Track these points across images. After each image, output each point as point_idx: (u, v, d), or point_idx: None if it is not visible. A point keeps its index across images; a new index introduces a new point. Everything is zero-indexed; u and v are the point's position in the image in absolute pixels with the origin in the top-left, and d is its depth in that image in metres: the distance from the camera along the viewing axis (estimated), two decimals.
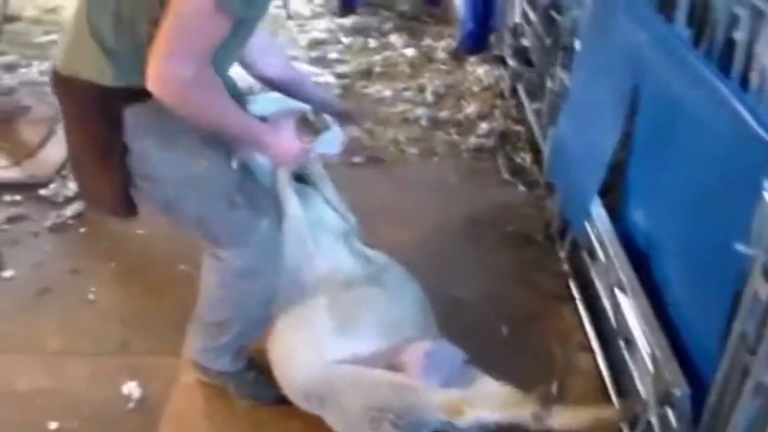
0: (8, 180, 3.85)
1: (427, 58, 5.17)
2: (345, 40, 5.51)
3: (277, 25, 5.85)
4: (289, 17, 6.00)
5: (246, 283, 2.32)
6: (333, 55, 5.25)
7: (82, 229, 3.48)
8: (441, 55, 5.18)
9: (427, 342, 2.27)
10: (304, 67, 4.89)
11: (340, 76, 4.91)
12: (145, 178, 2.06)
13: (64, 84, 2.04)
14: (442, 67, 5.03)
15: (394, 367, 2.25)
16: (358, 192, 3.63)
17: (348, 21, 5.81)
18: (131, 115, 1.96)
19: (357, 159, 3.95)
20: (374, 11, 6.02)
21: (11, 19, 6.04)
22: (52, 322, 2.91)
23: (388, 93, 4.65)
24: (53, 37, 5.56)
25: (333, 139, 2.38)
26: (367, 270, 2.53)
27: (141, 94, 1.86)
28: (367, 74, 4.95)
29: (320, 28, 5.74)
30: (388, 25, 5.72)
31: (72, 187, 3.68)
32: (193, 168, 2.08)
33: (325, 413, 2.34)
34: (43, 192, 3.71)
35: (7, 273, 3.20)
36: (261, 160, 2.31)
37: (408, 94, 4.63)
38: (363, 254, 2.59)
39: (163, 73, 1.79)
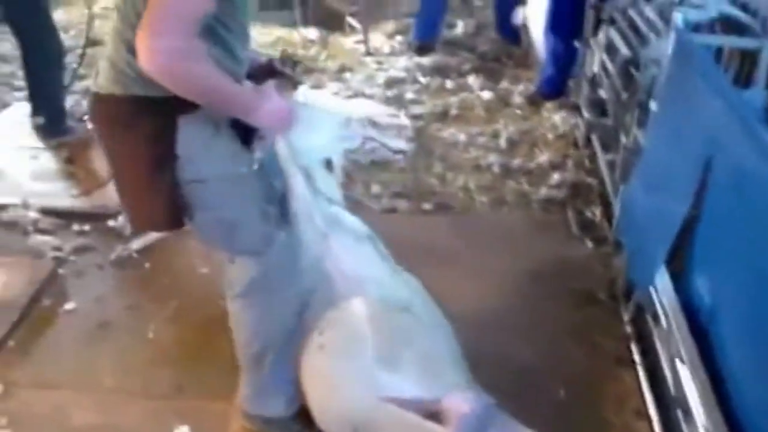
0: (78, 209, 3.96)
1: (503, 101, 5.16)
2: (422, 79, 5.54)
3: (354, 61, 5.91)
4: (368, 53, 6.06)
5: (264, 296, 2.40)
6: (409, 95, 5.27)
7: (146, 264, 3.55)
8: (517, 99, 5.16)
9: (468, 394, 2.27)
10: (379, 106, 4.93)
11: (415, 117, 4.93)
12: (191, 182, 2.17)
13: (102, 102, 2.16)
14: (518, 112, 5.01)
15: (433, 414, 2.25)
16: (425, 239, 3.69)
17: (427, 60, 5.83)
18: (182, 123, 2.09)
19: (426, 206, 3.97)
20: (453, 51, 6.03)
21: (94, 42, 6.22)
22: (109, 359, 2.98)
23: (462, 137, 4.65)
24: None
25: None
26: (401, 290, 2.63)
27: (178, 103, 2.02)
28: (442, 116, 4.97)
29: (398, 66, 5.76)
30: (466, 66, 5.72)
31: None
32: (236, 170, 2.21)
33: None
34: (111, 223, 3.81)
35: (70, 305, 3.29)
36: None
37: (482, 139, 4.63)
38: (392, 266, 2.70)
39: (150, 48, 1.90)
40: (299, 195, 2.58)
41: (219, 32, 2.06)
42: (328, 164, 2.80)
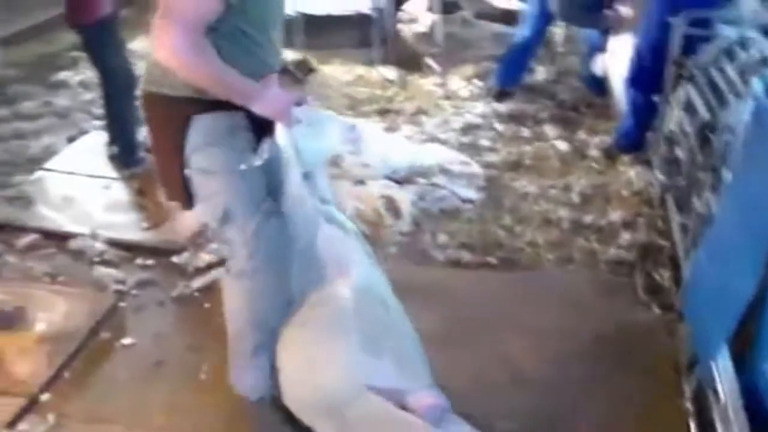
0: (144, 243, 4.04)
1: (579, 153, 5.09)
2: (498, 126, 5.51)
3: (431, 104, 5.91)
4: (447, 97, 6.05)
5: (253, 279, 2.69)
6: (484, 142, 5.25)
7: (206, 305, 3.59)
8: (594, 151, 5.07)
9: (433, 391, 2.54)
10: (451, 153, 4.90)
11: (488, 165, 4.89)
12: (195, 171, 2.54)
13: (144, 98, 2.60)
14: (593, 165, 4.93)
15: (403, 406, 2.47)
16: (487, 294, 3.65)
17: (504, 106, 5.79)
18: (194, 120, 2.48)
19: (491, 260, 3.92)
20: (532, 98, 5.98)
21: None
22: (161, 397, 3.04)
23: (533, 189, 4.59)
24: None
25: None
26: (381, 286, 2.85)
27: (195, 104, 2.44)
28: (515, 166, 4.92)
29: (475, 111, 5.74)
30: (543, 114, 5.67)
31: (204, 258, 3.81)
32: (237, 167, 2.54)
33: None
34: (174, 259, 3.88)
35: (127, 340, 3.36)
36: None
37: (554, 192, 4.56)
38: (373, 263, 2.93)
39: (161, 42, 2.32)
40: (295, 189, 2.82)
41: (238, 37, 2.43)
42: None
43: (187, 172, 2.55)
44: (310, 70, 2.37)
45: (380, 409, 2.44)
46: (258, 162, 2.58)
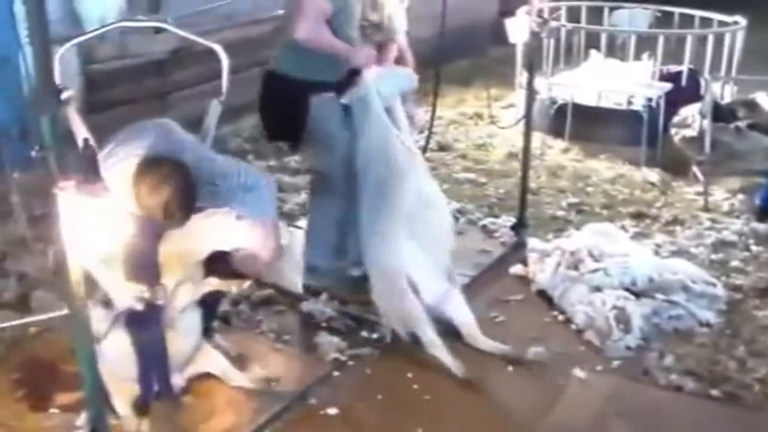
0: (370, 317, 4.20)
1: None
2: (754, 247, 5.31)
3: (688, 214, 5.80)
4: (706, 209, 5.92)
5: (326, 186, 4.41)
6: (735, 263, 5.09)
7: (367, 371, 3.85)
8: None
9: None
10: (697, 271, 4.78)
11: (734, 288, 4.74)
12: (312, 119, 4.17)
13: (268, 76, 4.32)
14: None
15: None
16: (703, 429, 3.55)
17: (765, 227, 5.58)
18: (314, 99, 4.12)
19: (715, 392, 3.79)
20: None
21: (441, 147, 6.72)
22: None
23: None
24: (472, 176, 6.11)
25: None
26: (434, 194, 4.34)
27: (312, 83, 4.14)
28: (763, 293, 4.72)
29: (733, 228, 5.57)
30: None
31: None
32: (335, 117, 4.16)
33: None
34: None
35: (333, 410, 3.57)
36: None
37: None
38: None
39: (299, 27, 3.97)
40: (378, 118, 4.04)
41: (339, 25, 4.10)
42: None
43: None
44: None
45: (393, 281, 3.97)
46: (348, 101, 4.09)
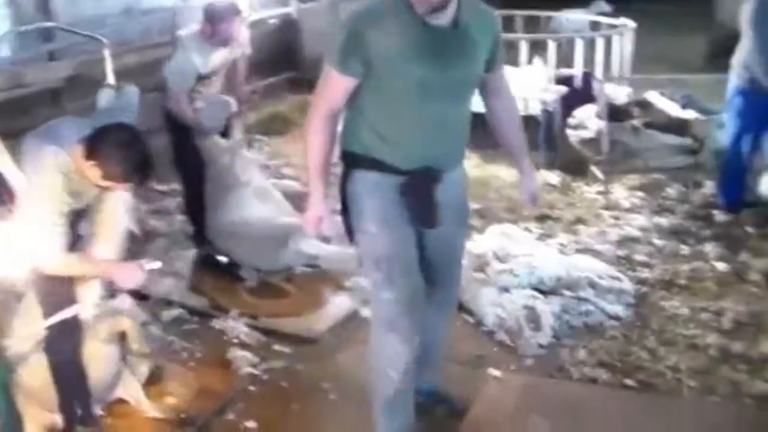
0: (282, 330, 4.23)
1: (738, 276, 4.86)
2: (657, 241, 5.36)
3: (591, 213, 5.85)
4: (608, 207, 5.97)
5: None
6: (639, 257, 5.13)
7: (331, 396, 3.73)
8: (755, 275, 4.83)
9: None
10: (602, 266, 4.80)
11: (640, 281, 4.78)
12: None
13: None
14: (753, 289, 4.69)
15: None
16: (620, 418, 3.54)
17: (666, 221, 5.66)
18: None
19: (629, 381, 3.80)
20: (696, 213, 5.80)
21: None
22: None
23: (684, 311, 4.44)
24: None
25: None
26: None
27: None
28: (668, 285, 4.76)
29: (635, 224, 5.63)
30: (706, 232, 5.48)
31: None
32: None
33: None
34: (311, 347, 4.08)
35: (251, 423, 3.52)
36: None
37: (705, 315, 4.38)
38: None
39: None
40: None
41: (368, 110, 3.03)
42: None
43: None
44: None
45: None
46: None
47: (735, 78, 5.47)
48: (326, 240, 3.24)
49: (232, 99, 4.95)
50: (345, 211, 3.13)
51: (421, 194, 3.06)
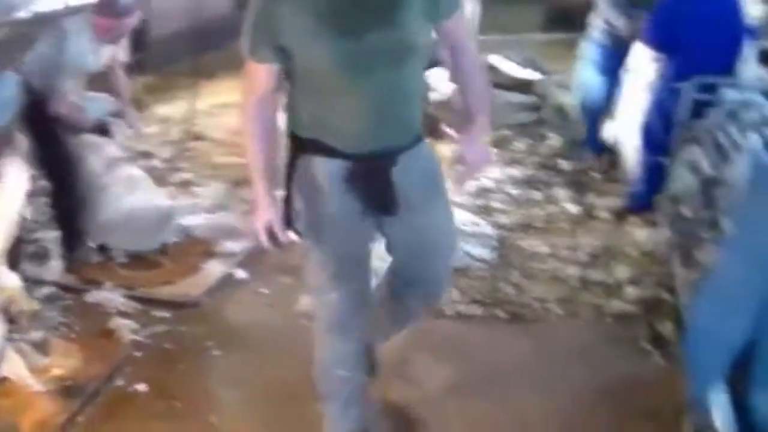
0: (160, 297, 4.22)
1: (588, 215, 5.17)
2: (512, 190, 5.61)
3: (448, 169, 6.02)
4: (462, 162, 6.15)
5: None
6: (496, 205, 5.35)
7: (215, 352, 3.78)
8: (603, 213, 5.16)
9: None
10: (463, 215, 4.98)
11: (499, 227, 4.99)
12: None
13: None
14: (602, 226, 5.01)
15: None
16: (495, 347, 3.73)
17: (517, 171, 5.91)
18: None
19: (501, 314, 4.00)
20: (545, 163, 6.10)
21: (197, 137, 6.60)
22: None
23: (543, 249, 4.69)
24: (233, 159, 5.99)
25: None
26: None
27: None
28: (526, 228, 5.01)
29: (490, 176, 5.84)
30: (556, 179, 5.78)
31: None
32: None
33: None
34: (191, 311, 4.09)
35: (142, 386, 3.51)
36: None
37: (563, 252, 4.65)
38: None
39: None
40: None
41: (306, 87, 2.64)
42: None
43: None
44: None
45: None
46: None
47: (595, 34, 5.80)
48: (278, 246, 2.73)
49: (111, 96, 4.77)
50: (288, 199, 2.73)
51: (372, 180, 2.65)
